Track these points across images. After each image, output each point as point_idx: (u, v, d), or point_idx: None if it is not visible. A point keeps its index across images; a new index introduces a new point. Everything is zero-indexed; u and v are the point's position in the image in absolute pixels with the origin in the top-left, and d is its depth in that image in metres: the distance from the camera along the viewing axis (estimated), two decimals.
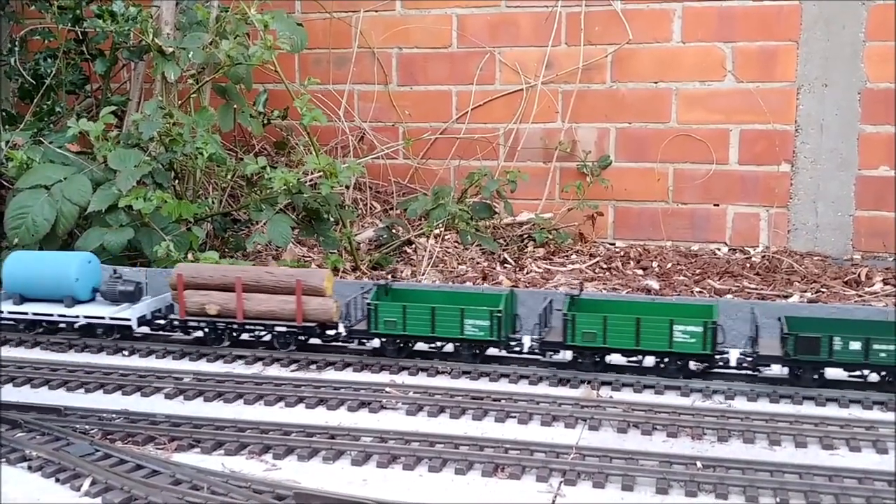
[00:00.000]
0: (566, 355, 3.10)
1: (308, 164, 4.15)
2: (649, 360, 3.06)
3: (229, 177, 4.62)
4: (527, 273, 4.52)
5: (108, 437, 2.62)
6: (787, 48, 4.65)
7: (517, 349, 3.17)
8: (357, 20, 5.18)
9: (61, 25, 4.80)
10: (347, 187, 4.97)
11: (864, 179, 4.62)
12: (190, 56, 4.31)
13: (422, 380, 3.11)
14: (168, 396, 2.95)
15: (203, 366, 3.26)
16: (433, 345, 3.25)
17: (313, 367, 3.22)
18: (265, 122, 4.86)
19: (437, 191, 4.66)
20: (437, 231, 4.65)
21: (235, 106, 4.62)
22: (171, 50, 4.34)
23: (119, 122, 4.72)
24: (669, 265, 4.62)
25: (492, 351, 3.21)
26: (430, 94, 5.17)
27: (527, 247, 4.86)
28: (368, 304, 3.19)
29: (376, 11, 5.16)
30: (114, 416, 2.74)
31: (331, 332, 3.35)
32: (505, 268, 4.62)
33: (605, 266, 4.69)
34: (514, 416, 2.76)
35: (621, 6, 4.83)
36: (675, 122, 4.87)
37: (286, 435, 2.59)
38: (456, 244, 4.83)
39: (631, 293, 4.22)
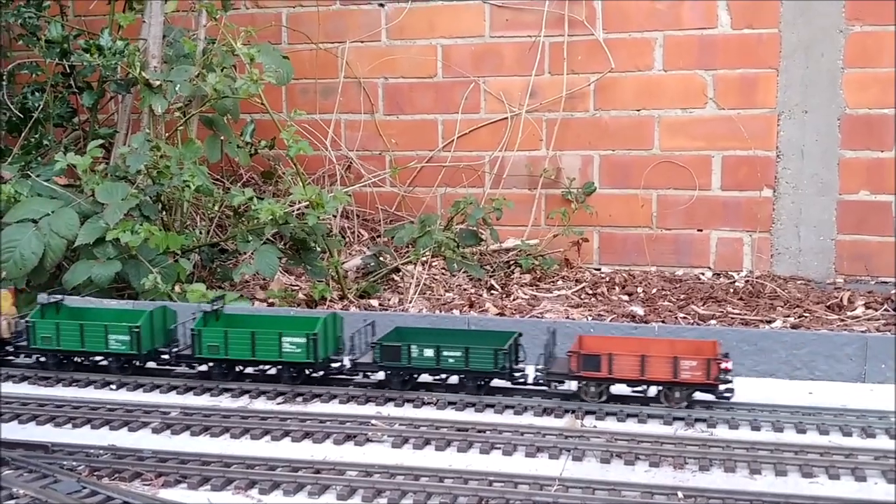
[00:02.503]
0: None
1: (294, 194, 4.19)
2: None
3: (217, 208, 4.65)
4: (513, 300, 4.55)
5: (96, 473, 2.63)
6: (767, 75, 4.73)
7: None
8: (343, 51, 5.24)
9: (49, 59, 4.84)
10: (335, 216, 5.01)
11: (845, 204, 4.68)
12: (177, 89, 4.36)
13: (408, 411, 3.14)
14: (155, 431, 2.97)
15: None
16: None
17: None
18: (252, 152, 4.90)
19: (424, 219, 4.70)
20: (424, 259, 4.70)
21: (223, 137, 4.67)
22: (158, 83, 4.38)
23: (106, 154, 4.75)
24: (654, 290, 4.66)
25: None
26: (416, 122, 5.23)
27: (513, 273, 4.90)
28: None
29: (362, 42, 5.23)
30: (101, 451, 2.75)
31: None
32: (492, 294, 4.66)
33: (590, 292, 4.73)
34: (499, 448, 2.79)
35: (604, 35, 4.91)
36: (658, 149, 4.93)
37: (272, 470, 2.62)
38: (444, 271, 4.87)
39: (616, 320, 4.26)
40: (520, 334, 3.27)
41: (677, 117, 4.88)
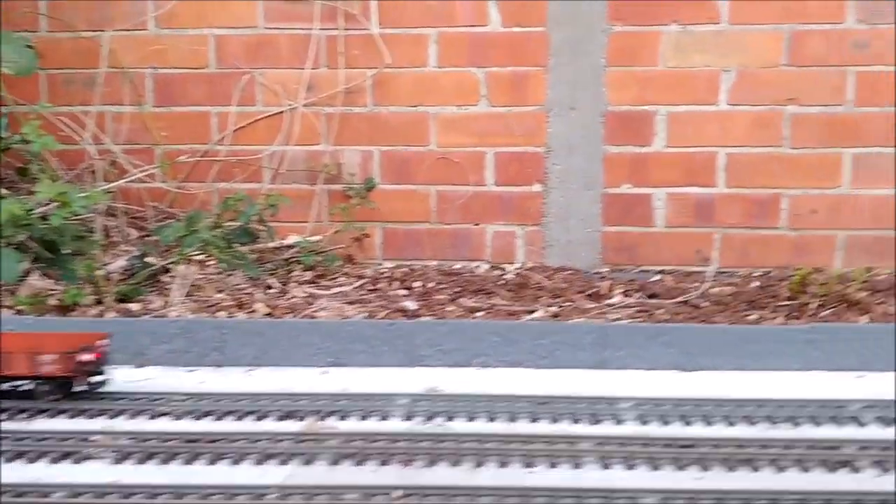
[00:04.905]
0: None
1: (40, 192, 3.91)
2: None
3: None
4: (289, 298, 4.46)
5: None
6: (536, 73, 4.86)
7: None
8: (107, 40, 4.94)
9: None
10: (95, 214, 4.72)
11: (610, 197, 4.90)
12: None
13: (141, 423, 3.00)
14: None
15: None
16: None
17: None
18: (4, 147, 4.54)
19: (192, 216, 4.52)
20: (192, 258, 4.52)
21: None
22: None
23: None
24: (431, 284, 4.70)
25: None
26: (189, 115, 5.02)
27: (293, 271, 4.81)
28: None
29: (128, 31, 4.95)
30: None
31: None
32: (268, 294, 4.54)
33: (371, 288, 4.71)
34: (228, 458, 2.70)
35: (379, 30, 4.89)
36: (435, 145, 4.97)
37: None
38: (220, 271, 4.70)
39: (390, 315, 4.26)
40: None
41: (452, 114, 4.94)
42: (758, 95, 4.72)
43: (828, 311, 4.06)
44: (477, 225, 5.01)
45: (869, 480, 2.51)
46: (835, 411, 2.98)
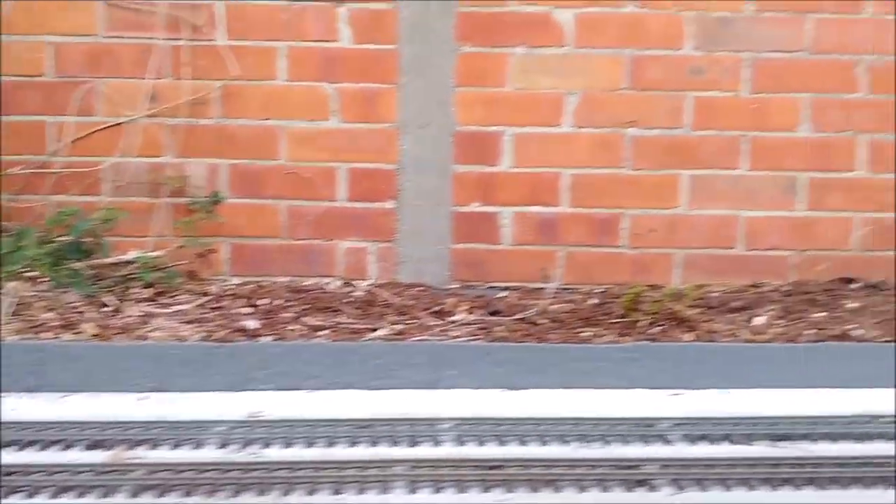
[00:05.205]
0: None
1: None
2: None
3: None
4: (122, 318, 4.31)
5: None
6: (387, 90, 4.87)
7: None
8: None
9: None
10: None
11: (460, 215, 4.96)
12: None
13: None
14: None
15: None
16: None
17: None
18: None
19: (20, 231, 4.31)
20: (33, 273, 4.32)
21: None
22: None
23: None
24: (279, 302, 4.64)
25: None
26: (23, 124, 4.79)
27: (131, 288, 4.65)
28: None
29: None
30: None
31: None
32: (101, 313, 4.37)
33: (213, 306, 4.60)
34: (21, 491, 2.57)
35: (227, 42, 4.79)
36: (286, 160, 4.91)
37: None
38: (52, 289, 4.50)
39: (230, 335, 4.17)
40: None
41: (303, 128, 4.89)
42: (600, 118, 4.87)
43: (658, 329, 4.22)
44: (329, 241, 4.97)
45: (665, 498, 2.61)
46: (645, 429, 3.08)
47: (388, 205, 4.96)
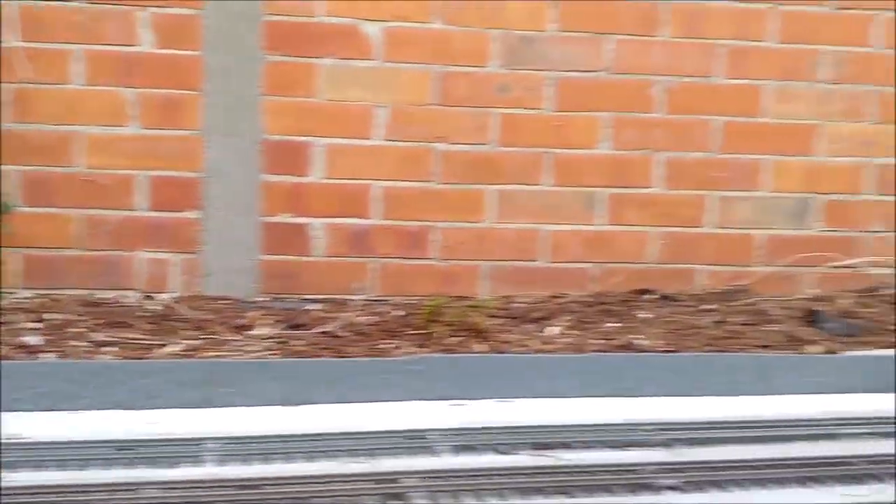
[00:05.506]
0: None
1: None
2: None
3: None
4: None
5: None
6: (191, 97, 4.75)
7: None
8: None
9: None
10: None
11: (268, 225, 4.89)
12: None
13: None
14: None
15: None
16: None
17: None
18: None
19: None
20: None
21: None
22: None
23: None
24: (69, 316, 4.43)
25: None
26: None
27: None
28: None
29: None
30: None
31: None
32: None
33: None
34: None
35: (19, 44, 4.55)
36: (84, 167, 4.71)
37: None
38: None
39: (10, 352, 3.94)
40: None
41: (102, 134, 4.71)
42: (409, 132, 4.92)
43: (455, 340, 4.29)
44: (128, 252, 4.79)
45: None
46: (413, 441, 3.12)
47: (192, 214, 4.83)
